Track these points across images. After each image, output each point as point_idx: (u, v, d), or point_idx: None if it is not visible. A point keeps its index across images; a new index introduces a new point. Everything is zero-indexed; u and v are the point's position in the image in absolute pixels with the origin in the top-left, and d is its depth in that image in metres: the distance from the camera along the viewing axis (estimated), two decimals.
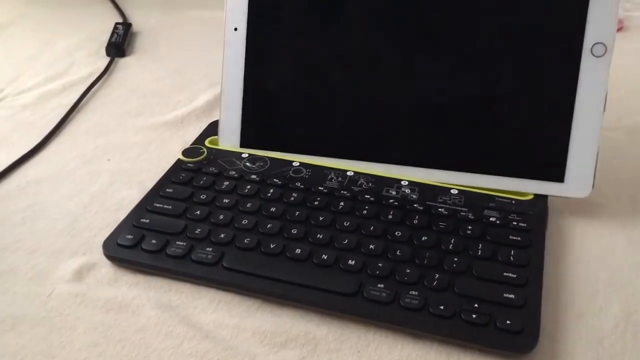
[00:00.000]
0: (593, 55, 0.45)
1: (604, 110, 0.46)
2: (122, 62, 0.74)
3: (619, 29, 0.78)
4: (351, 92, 0.51)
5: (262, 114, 0.53)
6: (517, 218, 0.46)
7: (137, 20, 0.84)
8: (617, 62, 0.72)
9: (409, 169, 0.50)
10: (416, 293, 0.40)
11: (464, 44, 0.48)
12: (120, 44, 0.75)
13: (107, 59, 0.74)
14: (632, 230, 0.47)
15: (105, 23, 0.81)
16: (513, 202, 0.48)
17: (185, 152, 0.54)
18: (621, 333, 0.39)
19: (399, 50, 0.50)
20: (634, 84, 0.67)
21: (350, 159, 0.51)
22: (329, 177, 0.50)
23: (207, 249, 0.43)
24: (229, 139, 0.54)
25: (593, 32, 0.45)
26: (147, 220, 0.46)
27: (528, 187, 0.48)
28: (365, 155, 0.51)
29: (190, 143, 0.56)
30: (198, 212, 0.47)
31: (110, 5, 0.89)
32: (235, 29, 0.52)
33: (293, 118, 0.53)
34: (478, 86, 0.48)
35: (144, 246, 0.44)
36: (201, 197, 0.48)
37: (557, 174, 0.47)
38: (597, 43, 0.45)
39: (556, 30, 0.46)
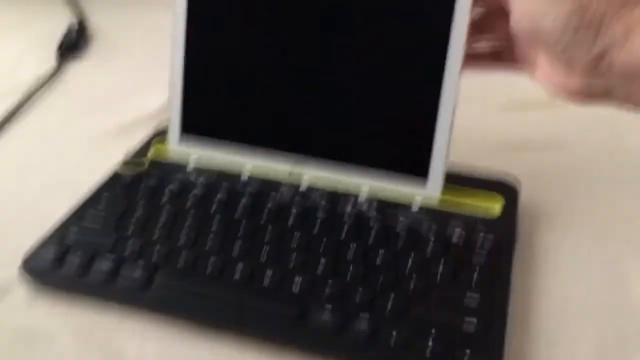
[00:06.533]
0: None
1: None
2: (74, 64, 0.70)
3: None
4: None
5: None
6: (483, 237, 0.42)
7: (96, 20, 0.79)
8: None
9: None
10: (367, 318, 0.36)
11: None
12: (73, 44, 0.71)
13: (58, 61, 0.69)
14: (610, 247, 0.44)
15: (62, 23, 0.77)
16: (479, 218, 0.43)
17: (125, 163, 0.49)
18: None
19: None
20: None
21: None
22: (280, 190, 0.46)
23: (137, 268, 0.39)
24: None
25: None
26: (73, 236, 0.41)
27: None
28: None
29: (133, 152, 0.51)
30: (131, 228, 0.42)
31: (69, 4, 0.84)
32: None
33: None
34: None
35: (66, 265, 0.39)
36: (136, 211, 0.44)
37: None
38: None
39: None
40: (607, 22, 0.33)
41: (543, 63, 0.37)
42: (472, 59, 0.42)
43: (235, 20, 0.46)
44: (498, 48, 0.42)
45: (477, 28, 0.41)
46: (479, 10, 0.41)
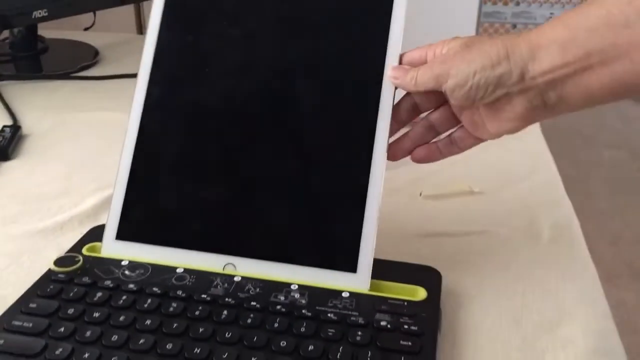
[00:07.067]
0: None
1: None
2: (5, 166, 0.70)
3: None
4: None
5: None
6: (409, 321, 0.44)
7: (29, 123, 0.80)
8: None
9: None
10: None
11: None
12: (5, 147, 0.71)
13: None
14: (526, 326, 0.46)
15: None
16: (405, 303, 0.46)
17: (58, 261, 0.49)
18: None
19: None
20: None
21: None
22: (214, 283, 0.47)
23: None
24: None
25: None
26: (2, 342, 0.41)
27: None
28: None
29: (67, 251, 0.51)
30: (62, 330, 0.42)
31: (2, 106, 0.85)
32: None
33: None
34: None
35: None
36: (68, 311, 0.44)
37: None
38: None
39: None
40: (511, 51, 0.43)
41: (489, 116, 0.46)
42: (434, 149, 0.50)
43: (177, 136, 0.52)
44: (452, 133, 0.50)
45: (430, 127, 0.50)
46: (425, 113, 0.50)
